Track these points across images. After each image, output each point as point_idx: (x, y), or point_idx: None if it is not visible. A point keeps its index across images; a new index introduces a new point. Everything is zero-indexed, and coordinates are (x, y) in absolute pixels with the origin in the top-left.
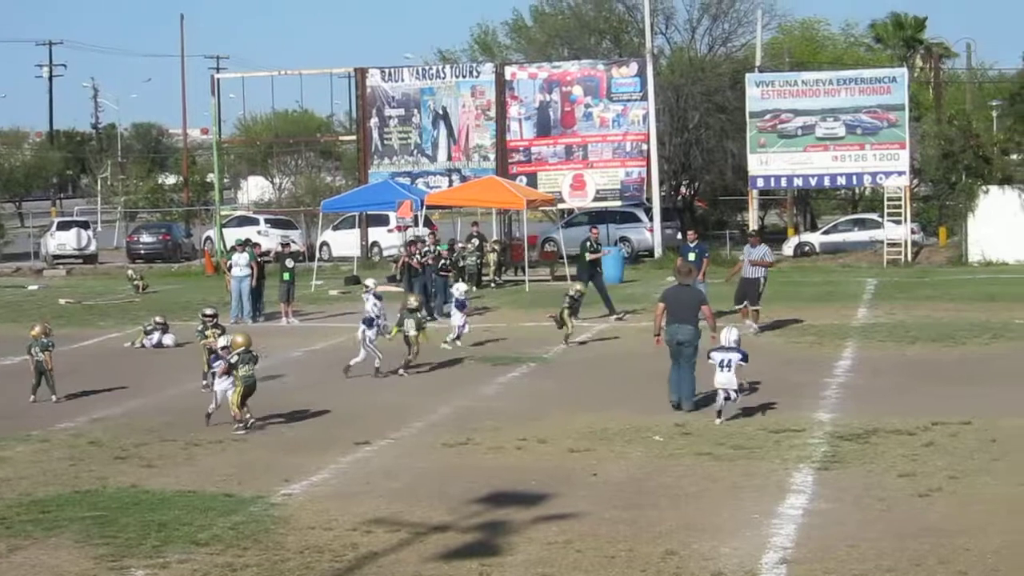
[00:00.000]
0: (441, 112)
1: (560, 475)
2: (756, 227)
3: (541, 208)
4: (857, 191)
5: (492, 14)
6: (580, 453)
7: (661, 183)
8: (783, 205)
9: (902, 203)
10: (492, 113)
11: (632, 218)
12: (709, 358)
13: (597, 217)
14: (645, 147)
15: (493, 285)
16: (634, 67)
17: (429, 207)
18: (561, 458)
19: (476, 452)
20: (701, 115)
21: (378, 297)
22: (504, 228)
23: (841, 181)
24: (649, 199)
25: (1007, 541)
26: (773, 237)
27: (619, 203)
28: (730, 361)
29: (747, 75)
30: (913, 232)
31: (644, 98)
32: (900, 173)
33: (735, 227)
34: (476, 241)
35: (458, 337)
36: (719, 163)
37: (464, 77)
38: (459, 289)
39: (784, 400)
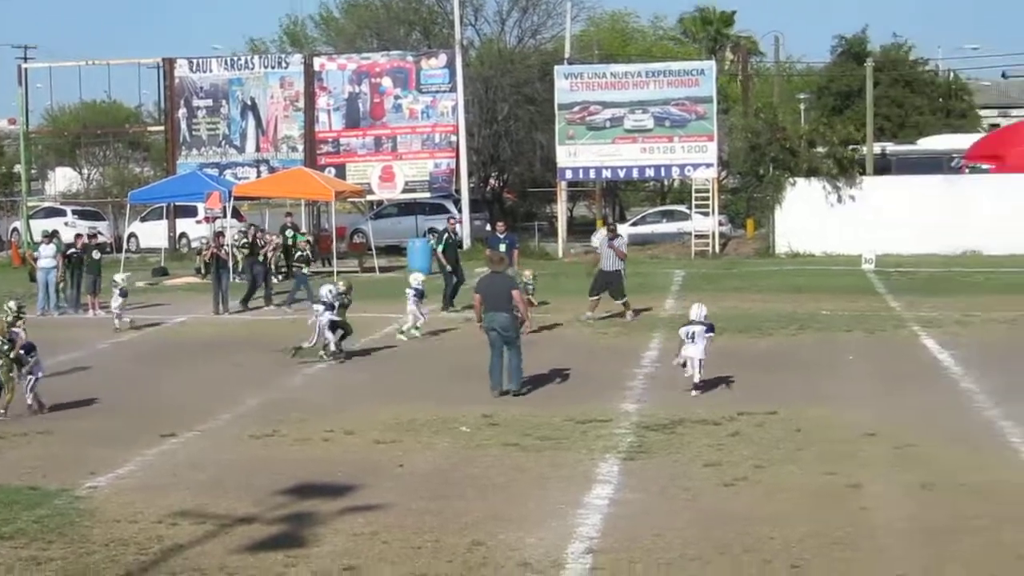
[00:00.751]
0: (249, 103)
1: (367, 466)
2: (611, 219)
3: (350, 200)
4: (666, 183)
5: (302, 5)
6: (387, 444)
7: (470, 175)
8: (592, 197)
9: (710, 195)
10: (301, 104)
11: (441, 209)
12: (679, 333)
13: (406, 209)
14: (454, 139)
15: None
16: (443, 59)
17: (237, 198)
18: (368, 449)
19: (283, 444)
20: (510, 107)
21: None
22: (313, 220)
23: (650, 173)
24: (458, 191)
25: (811, 530)
26: (582, 229)
27: (428, 195)
28: (694, 334)
29: (556, 67)
30: (721, 224)
31: (453, 90)
32: (708, 165)
33: (544, 219)
34: (291, 232)
35: (416, 327)
36: (528, 155)
37: (273, 68)
38: (416, 279)
39: (591, 391)
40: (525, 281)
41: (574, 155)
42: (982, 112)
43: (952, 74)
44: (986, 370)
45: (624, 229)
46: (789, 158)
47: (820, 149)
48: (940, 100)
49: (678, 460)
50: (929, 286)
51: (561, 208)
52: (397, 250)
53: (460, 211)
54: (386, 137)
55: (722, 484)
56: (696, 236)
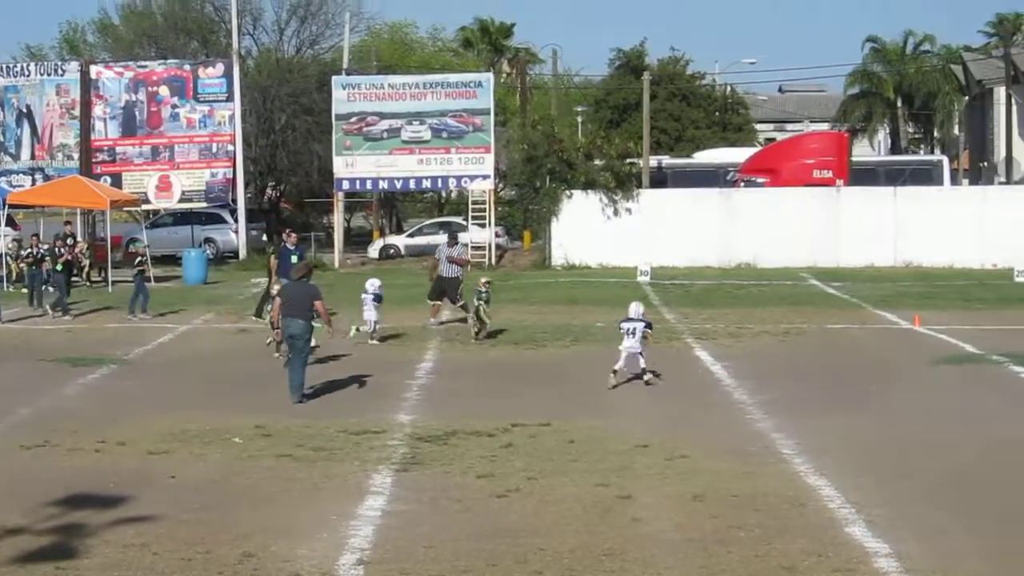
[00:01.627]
0: (25, 110)
1: (139, 477)
2: (452, 228)
3: (126, 208)
4: (443, 194)
5: (82, 12)
6: (159, 455)
7: (247, 185)
8: (369, 208)
9: (487, 207)
10: (77, 112)
11: (218, 219)
12: (619, 328)
13: (182, 218)
14: (231, 148)
15: (88, 285)
16: (220, 68)
17: (12, 206)
18: (140, 460)
19: (54, 454)
20: (288, 117)
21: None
22: (88, 228)
23: (427, 184)
24: (235, 200)
25: (582, 541)
26: (359, 240)
27: (205, 204)
28: (635, 329)
29: (334, 77)
30: (498, 235)
31: (230, 99)
32: (485, 177)
33: (321, 229)
34: (71, 240)
35: (373, 332)
36: (305, 165)
37: (49, 75)
38: (373, 284)
39: (366, 402)
40: (479, 289)
41: (351, 166)
42: (759, 126)
43: (729, 88)
44: (758, 382)
45: (401, 240)
46: (566, 170)
47: (598, 162)
48: (717, 114)
49: (451, 471)
50: (703, 298)
51: (338, 219)
52: (173, 260)
53: (237, 221)
54: (163, 146)
55: (495, 496)
56: (473, 247)
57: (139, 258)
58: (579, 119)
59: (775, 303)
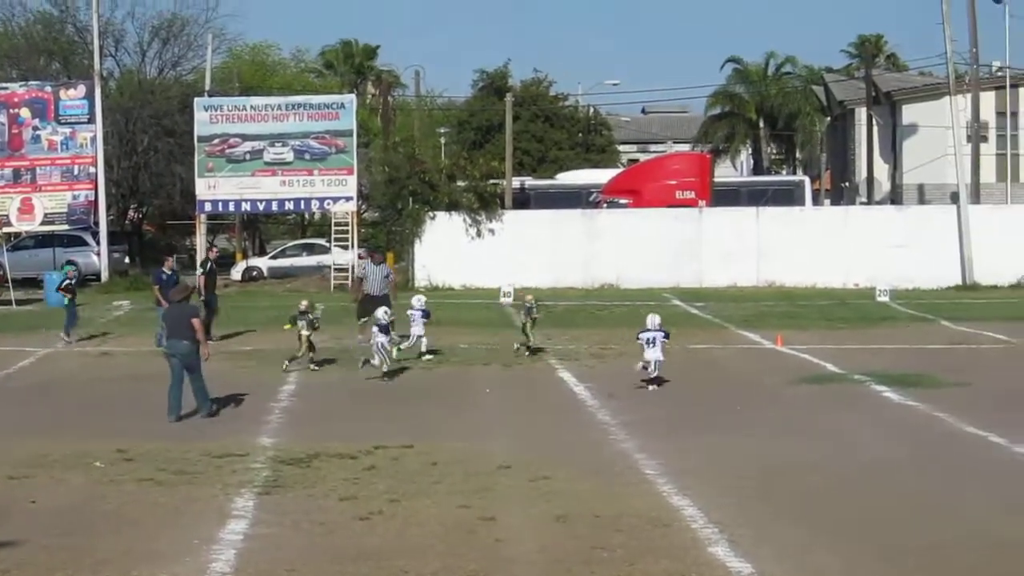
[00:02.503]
0: None
1: None
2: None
3: None
4: (306, 216)
5: None
6: (19, 480)
7: (109, 207)
8: (232, 230)
9: (350, 228)
10: None
11: (79, 242)
12: (638, 339)
13: (43, 241)
14: (93, 170)
15: None
16: (82, 89)
17: None
18: (0, 486)
19: None
20: (150, 138)
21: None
22: None
23: (289, 206)
24: (97, 223)
25: (445, 564)
26: (223, 262)
27: (67, 227)
28: (655, 339)
29: (196, 99)
30: (360, 257)
31: (92, 120)
32: (348, 198)
33: (184, 251)
34: None
35: (412, 345)
36: (168, 187)
37: None
38: (420, 300)
39: (228, 424)
40: (528, 306)
41: (213, 187)
42: (622, 147)
43: (592, 109)
44: (621, 403)
45: (264, 262)
46: (429, 192)
47: (461, 183)
48: (580, 135)
49: (313, 494)
50: (566, 319)
51: (200, 241)
52: (34, 282)
53: (99, 243)
54: (25, 168)
55: (357, 518)
56: (336, 269)
57: (66, 281)
58: (442, 140)
59: (638, 324)
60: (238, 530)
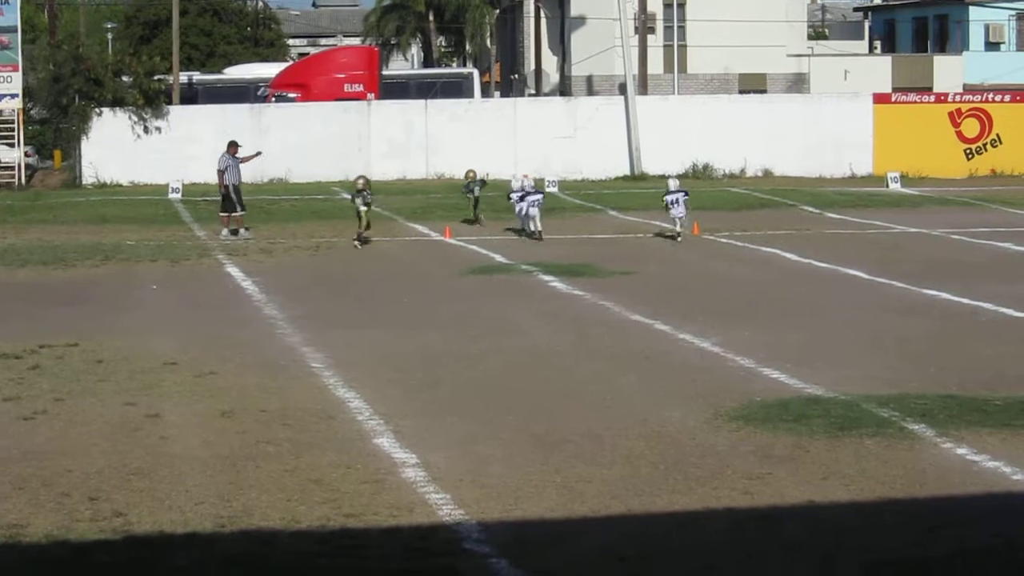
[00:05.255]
0: None
1: None
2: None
3: None
4: None
5: None
6: None
7: None
8: None
9: (16, 126)
10: None
11: None
12: (664, 200)
13: None
14: None
15: None
16: None
17: None
18: None
19: None
20: None
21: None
22: None
23: None
24: None
25: (110, 462)
26: None
27: None
28: (678, 199)
29: None
30: (27, 155)
31: None
32: (13, 96)
33: None
34: None
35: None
36: None
37: None
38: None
39: None
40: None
41: None
42: (292, 41)
43: (261, 3)
44: (289, 297)
45: None
46: (94, 89)
47: (126, 79)
48: (249, 29)
49: None
50: None
51: None
52: None
53: None
54: None
55: (21, 418)
56: (2, 168)
57: None
58: (110, 36)
59: (306, 218)
60: None
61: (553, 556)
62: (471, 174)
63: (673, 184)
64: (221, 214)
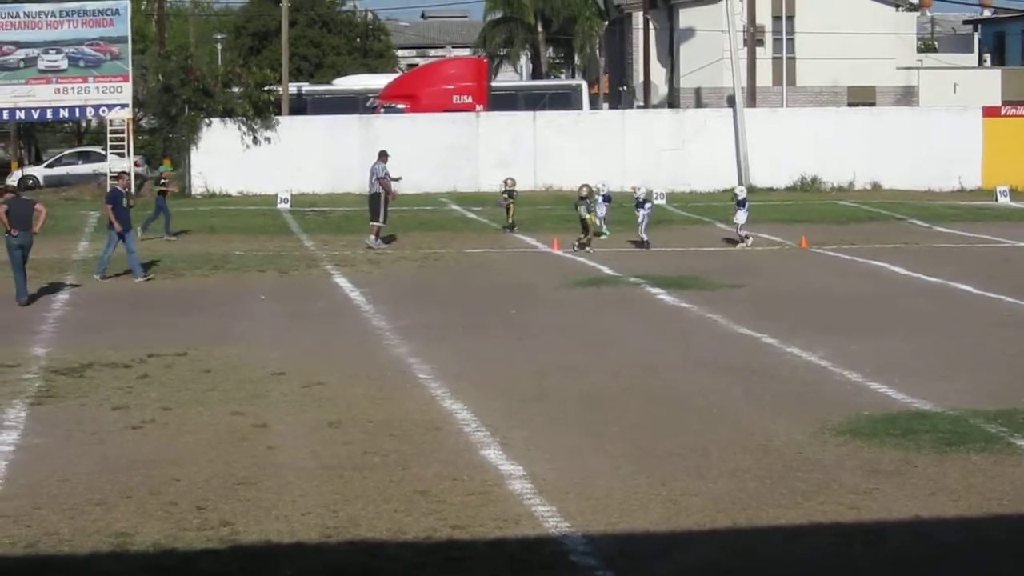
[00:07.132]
0: None
1: None
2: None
3: None
4: (82, 124)
5: None
6: None
7: None
8: (7, 139)
9: (126, 136)
10: None
11: None
12: (734, 199)
13: None
14: None
15: None
16: None
17: None
18: None
19: None
20: None
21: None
22: None
23: (64, 114)
24: None
25: (217, 471)
26: None
27: None
28: (743, 200)
29: None
30: (137, 165)
31: None
32: (123, 106)
33: None
34: None
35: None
36: None
37: None
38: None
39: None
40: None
41: None
42: (401, 52)
43: (370, 14)
44: (396, 308)
45: (39, 171)
46: (204, 99)
47: (236, 90)
48: (358, 40)
49: (86, 404)
50: (343, 225)
51: None
52: None
53: None
54: None
55: (129, 427)
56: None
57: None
58: (219, 47)
59: (414, 228)
60: (9, 441)
61: (658, 569)
62: (584, 189)
63: (740, 191)
64: (371, 223)
